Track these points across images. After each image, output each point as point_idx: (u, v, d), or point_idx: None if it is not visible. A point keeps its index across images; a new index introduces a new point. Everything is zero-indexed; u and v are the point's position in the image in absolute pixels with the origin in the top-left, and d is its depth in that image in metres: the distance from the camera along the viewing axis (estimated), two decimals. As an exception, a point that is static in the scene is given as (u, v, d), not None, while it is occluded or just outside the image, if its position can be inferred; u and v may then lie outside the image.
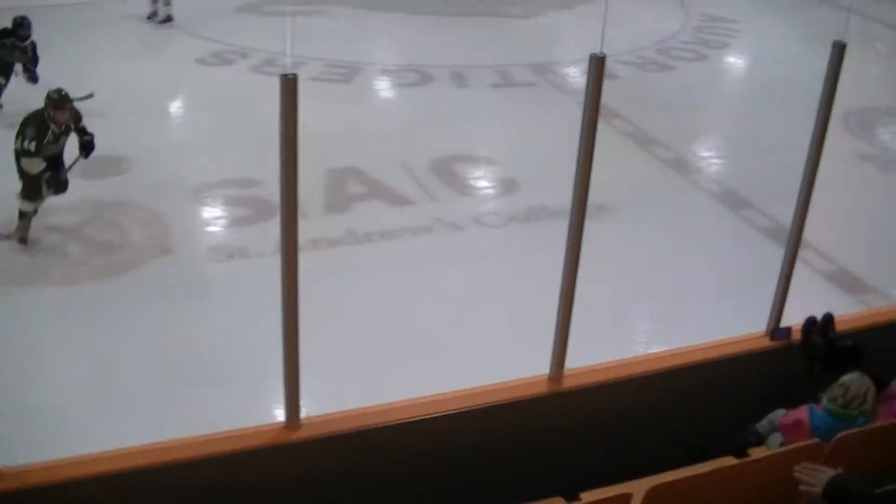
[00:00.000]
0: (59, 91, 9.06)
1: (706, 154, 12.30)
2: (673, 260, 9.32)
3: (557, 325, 5.37)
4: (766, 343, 6.05)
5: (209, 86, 13.37)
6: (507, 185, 10.74)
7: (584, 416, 5.59)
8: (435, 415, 5.20)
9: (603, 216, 9.42)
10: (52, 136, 8.98)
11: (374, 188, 10.43)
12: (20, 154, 8.91)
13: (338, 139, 11.02)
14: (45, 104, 8.96)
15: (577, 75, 14.19)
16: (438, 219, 9.84)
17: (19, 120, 9.02)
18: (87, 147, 9.31)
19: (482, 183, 10.95)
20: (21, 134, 8.88)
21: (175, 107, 13.06)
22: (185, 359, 7.45)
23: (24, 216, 9.17)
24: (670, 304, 8.56)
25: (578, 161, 5.19)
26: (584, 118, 5.13)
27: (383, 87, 14.02)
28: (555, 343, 5.44)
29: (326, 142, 10.23)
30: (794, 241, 6.09)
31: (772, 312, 6.11)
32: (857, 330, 6.18)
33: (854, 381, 5.26)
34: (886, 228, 10.43)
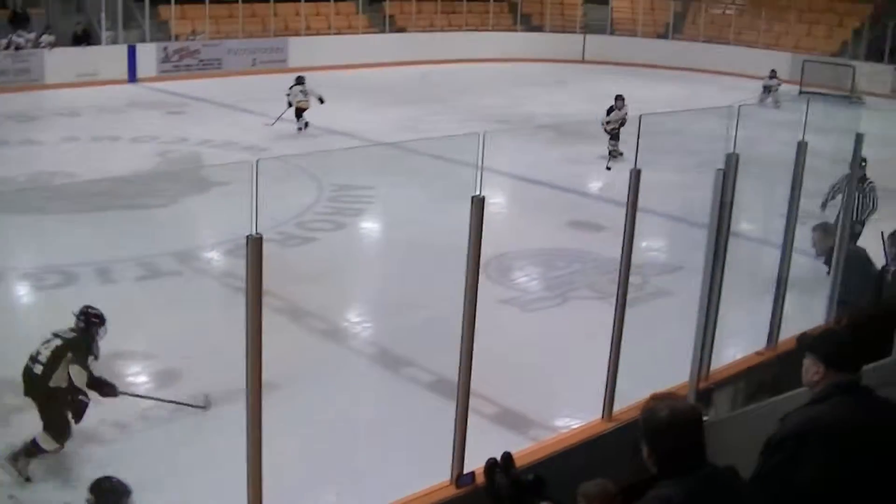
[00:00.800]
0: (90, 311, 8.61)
1: (358, 319, 12.57)
2: (345, 429, 9.39)
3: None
4: (452, 491, 6.20)
5: None
6: (169, 377, 10.51)
7: None
8: None
9: (269, 395, 9.36)
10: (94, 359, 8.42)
11: (31, 398, 9.96)
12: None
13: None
14: (93, 323, 8.53)
15: (219, 259, 14.26)
16: (103, 420, 9.48)
17: None
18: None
19: (142, 378, 10.64)
20: (71, 361, 8.24)
21: None
22: None
23: (37, 454, 8.37)
24: (350, 471, 8.61)
25: (248, 342, 5.23)
26: (247, 298, 5.19)
27: (25, 293, 13.50)
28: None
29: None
30: (464, 389, 6.32)
31: (453, 460, 6.28)
32: (535, 462, 6.46)
33: (544, 511, 5.47)
34: (536, 364, 10.98)
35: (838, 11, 38.77)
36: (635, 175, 7.00)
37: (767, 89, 30.88)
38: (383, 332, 12.06)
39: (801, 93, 31.77)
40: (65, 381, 8.33)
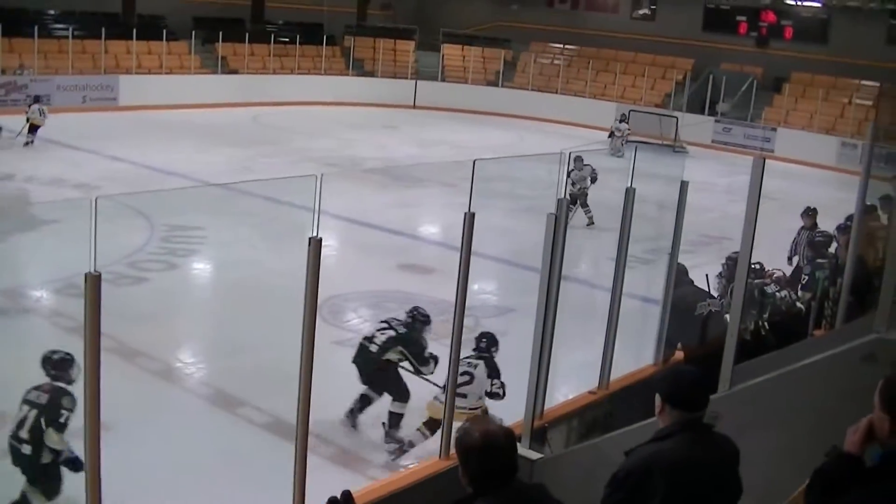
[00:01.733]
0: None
1: (192, 360, 12.49)
2: (181, 469, 9.30)
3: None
4: (293, 531, 6.24)
5: None
6: (-5, 418, 10.28)
7: None
8: None
9: (103, 435, 9.22)
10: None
11: None
12: None
13: None
14: (419, 321, 10.84)
15: (49, 298, 13.97)
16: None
17: None
18: None
19: (-32, 418, 10.39)
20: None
21: None
22: None
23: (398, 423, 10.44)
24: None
25: (86, 381, 5.21)
26: (86, 337, 5.16)
27: None
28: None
29: None
30: (303, 429, 6.37)
31: (293, 500, 6.32)
32: (375, 501, 6.55)
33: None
34: (372, 405, 11.05)
35: (662, 64, 40.31)
36: (469, 218, 7.16)
37: (613, 133, 31.65)
38: (217, 372, 12.00)
39: (627, 141, 32.86)
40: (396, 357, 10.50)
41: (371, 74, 41.25)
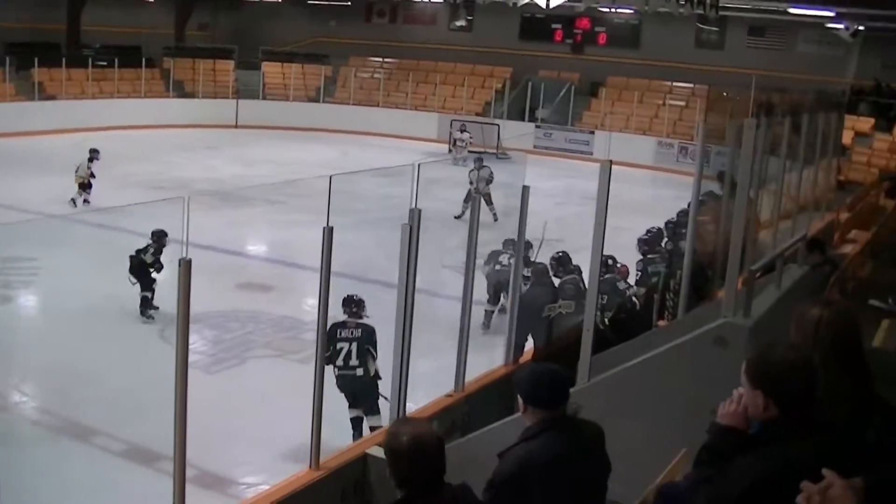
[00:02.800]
0: None
1: (36, 392, 12.29)
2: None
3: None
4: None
5: None
6: None
7: None
8: None
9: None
10: None
11: None
12: None
13: None
14: None
15: None
16: None
17: None
18: None
19: None
20: None
21: None
22: None
23: None
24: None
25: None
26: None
27: None
28: None
29: None
30: (181, 452, 6.42)
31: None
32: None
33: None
34: (231, 425, 11.00)
35: (481, 74, 41.10)
36: (328, 233, 7.33)
37: (456, 143, 32.01)
38: (60, 402, 11.78)
39: (450, 150, 33.42)
40: None
41: (192, 96, 40.68)
